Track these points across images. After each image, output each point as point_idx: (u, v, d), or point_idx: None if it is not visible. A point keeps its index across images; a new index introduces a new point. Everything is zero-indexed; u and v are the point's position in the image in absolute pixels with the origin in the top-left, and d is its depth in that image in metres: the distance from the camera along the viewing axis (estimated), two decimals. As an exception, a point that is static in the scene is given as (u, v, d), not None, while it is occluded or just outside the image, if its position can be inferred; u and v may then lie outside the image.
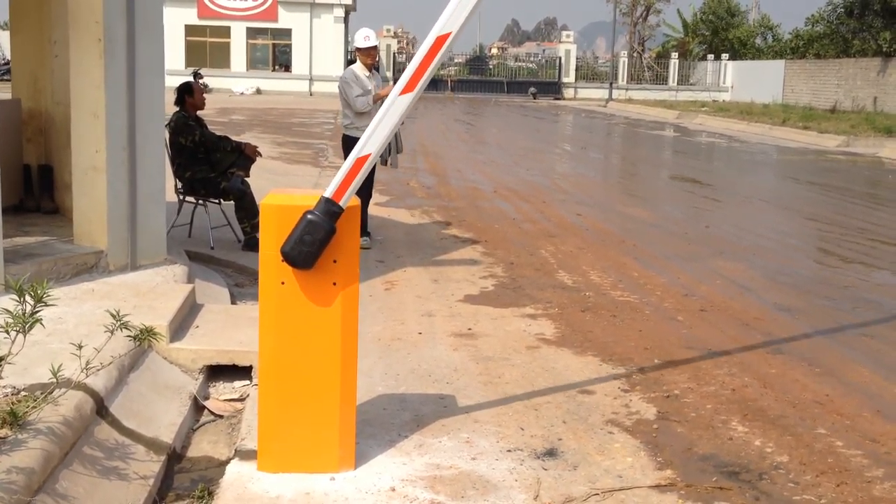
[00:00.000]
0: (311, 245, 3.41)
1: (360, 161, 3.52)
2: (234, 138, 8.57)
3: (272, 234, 3.47)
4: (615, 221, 10.81)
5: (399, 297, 6.80)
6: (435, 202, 11.74)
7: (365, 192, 8.43)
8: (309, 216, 3.42)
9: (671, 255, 8.74)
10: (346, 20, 47.38)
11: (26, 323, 3.15)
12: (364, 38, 8.47)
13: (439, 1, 3.58)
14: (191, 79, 8.51)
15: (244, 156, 8.32)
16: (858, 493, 3.76)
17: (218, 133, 8.58)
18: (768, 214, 12.24)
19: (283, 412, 3.61)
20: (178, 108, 8.20)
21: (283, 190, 3.77)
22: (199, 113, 8.32)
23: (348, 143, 8.46)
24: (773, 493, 3.73)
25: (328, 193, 3.47)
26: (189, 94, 8.15)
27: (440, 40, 3.50)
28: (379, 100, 8.44)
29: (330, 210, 3.45)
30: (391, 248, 8.46)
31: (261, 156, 8.64)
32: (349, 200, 3.50)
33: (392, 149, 8.48)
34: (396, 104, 3.53)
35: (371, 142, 3.53)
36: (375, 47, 8.63)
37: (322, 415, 3.62)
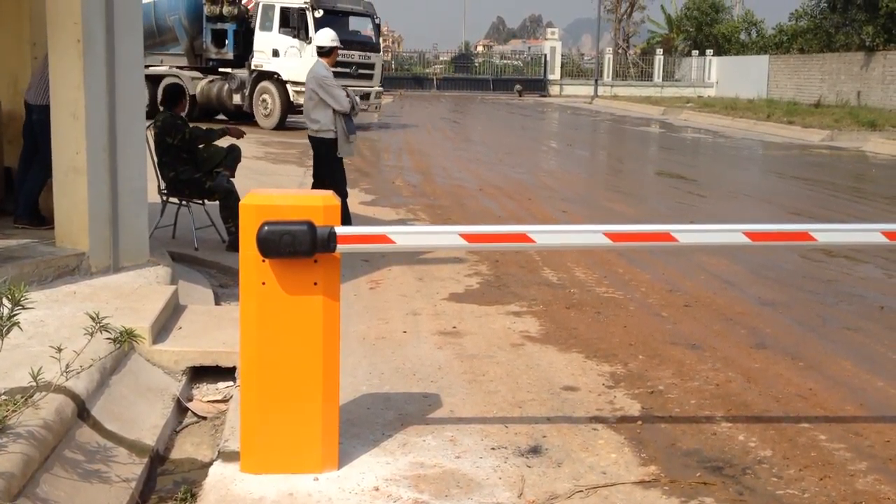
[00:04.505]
0: (286, 246, 3.41)
1: (386, 239, 3.64)
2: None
3: (252, 234, 3.45)
4: (600, 218, 10.81)
5: (384, 295, 6.78)
6: (420, 200, 11.73)
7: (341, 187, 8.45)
8: (307, 227, 3.41)
9: (656, 250, 8.74)
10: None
11: (3, 327, 3.12)
12: (332, 39, 8.56)
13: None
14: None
15: (231, 154, 8.32)
16: (842, 486, 3.78)
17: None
18: (753, 209, 12.27)
19: (265, 413, 3.60)
20: (163, 109, 8.18)
21: (263, 190, 3.76)
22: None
23: (329, 146, 8.38)
24: (756, 488, 3.73)
25: (340, 231, 3.47)
26: (183, 98, 8.29)
27: (522, 237, 3.65)
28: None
29: (327, 243, 3.47)
30: (376, 247, 8.44)
31: (245, 134, 8.66)
32: (344, 247, 3.53)
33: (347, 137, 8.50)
34: (451, 238, 3.70)
35: (406, 237, 3.77)
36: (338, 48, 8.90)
37: (305, 415, 3.61)
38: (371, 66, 23.09)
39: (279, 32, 21.79)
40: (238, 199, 7.78)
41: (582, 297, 6.89)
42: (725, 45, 50.76)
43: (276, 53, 21.83)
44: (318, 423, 3.62)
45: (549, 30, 59.01)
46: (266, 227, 3.41)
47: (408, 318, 6.15)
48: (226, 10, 22.46)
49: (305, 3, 21.27)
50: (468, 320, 6.15)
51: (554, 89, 51.47)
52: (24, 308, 3.25)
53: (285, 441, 3.62)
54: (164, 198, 8.26)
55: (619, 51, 54.74)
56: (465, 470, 3.77)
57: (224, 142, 8.62)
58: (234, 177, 8.26)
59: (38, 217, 6.68)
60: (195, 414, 4.60)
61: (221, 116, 23.62)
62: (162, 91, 8.62)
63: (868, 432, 4.36)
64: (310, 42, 21.19)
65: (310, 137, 8.56)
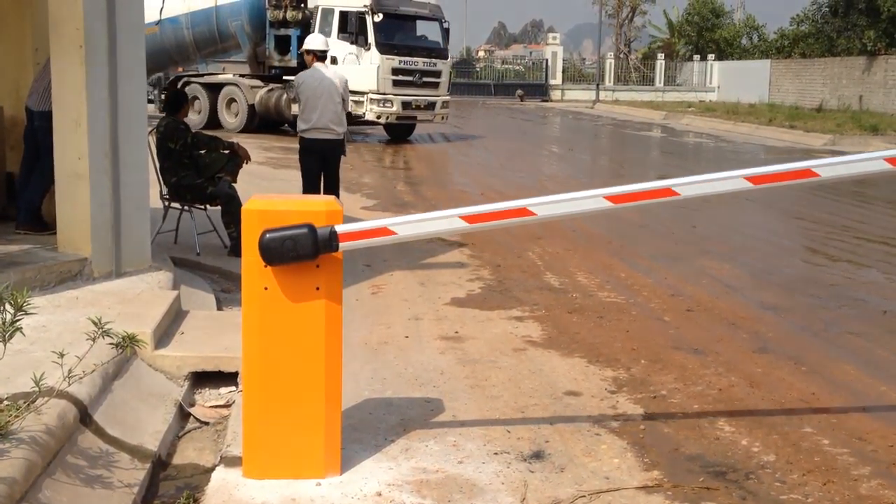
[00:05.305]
0: (289, 251, 3.41)
1: (387, 231, 3.61)
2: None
3: (254, 239, 3.45)
4: (602, 222, 10.81)
5: (386, 300, 6.78)
6: (422, 205, 11.74)
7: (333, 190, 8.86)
8: (307, 230, 3.41)
9: (658, 255, 8.75)
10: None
11: (6, 332, 3.12)
12: (325, 42, 9.08)
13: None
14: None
15: (233, 160, 8.33)
16: (845, 491, 3.77)
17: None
18: (755, 214, 12.27)
19: (268, 418, 3.60)
20: (165, 114, 8.20)
21: (265, 195, 3.76)
22: None
23: (342, 146, 9.02)
24: (759, 493, 3.73)
25: (340, 230, 3.47)
26: (187, 103, 8.33)
27: (523, 212, 3.63)
28: None
29: (328, 243, 3.46)
30: (378, 252, 8.43)
31: (250, 160, 8.65)
32: (347, 244, 3.52)
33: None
34: (452, 222, 3.67)
35: (406, 227, 3.66)
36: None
37: (307, 420, 3.61)
38: (437, 74, 21.63)
39: (338, 38, 20.26)
40: (240, 205, 7.81)
41: (584, 301, 6.88)
42: (727, 50, 50.76)
43: (334, 61, 19.46)
44: (320, 429, 3.62)
45: (550, 35, 59.04)
46: (267, 235, 3.41)
47: (410, 323, 6.15)
48: (290, 14, 21.31)
49: (365, 6, 20.07)
50: (470, 325, 6.14)
51: (555, 94, 51.46)
52: (26, 313, 3.24)
53: (288, 446, 3.61)
54: (166, 203, 8.27)
55: (621, 55, 54.76)
56: (467, 475, 3.76)
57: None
58: (235, 182, 8.28)
59: (41, 222, 6.69)
60: (197, 419, 4.59)
61: (286, 128, 22.78)
62: (165, 96, 8.65)
63: (871, 437, 4.35)
64: (368, 48, 20.20)
65: (324, 142, 8.74)
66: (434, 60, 21.52)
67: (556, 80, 52.45)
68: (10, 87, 7.34)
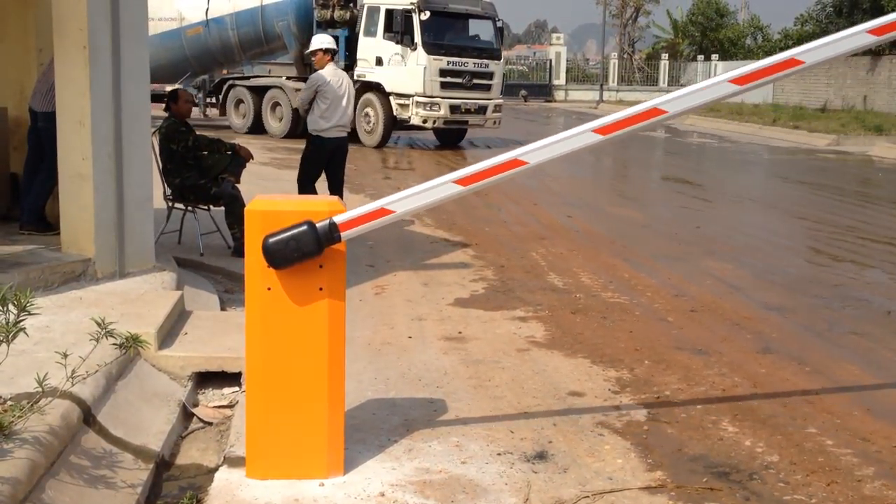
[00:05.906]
0: (293, 252, 3.41)
1: (384, 212, 3.58)
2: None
3: (257, 240, 3.45)
4: (606, 223, 10.82)
5: (389, 301, 6.78)
6: (425, 206, 11.71)
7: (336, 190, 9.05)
8: (307, 227, 3.41)
9: (661, 255, 8.74)
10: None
11: (10, 332, 3.13)
12: (329, 41, 8.97)
13: None
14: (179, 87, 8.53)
15: (236, 161, 8.32)
16: (849, 491, 3.76)
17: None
18: (758, 214, 12.26)
19: (271, 418, 3.60)
20: (167, 115, 8.20)
21: (269, 195, 3.76)
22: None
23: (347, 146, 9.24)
24: (763, 493, 3.72)
25: (338, 220, 3.47)
26: (173, 102, 8.18)
27: (515, 163, 3.64)
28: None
29: (329, 235, 3.46)
30: (381, 253, 8.45)
31: (252, 159, 8.65)
32: (349, 233, 3.52)
33: None
34: (446, 188, 3.61)
35: (402, 203, 3.60)
36: None
37: (310, 420, 3.61)
38: (489, 76, 20.38)
39: (384, 38, 19.55)
40: (243, 205, 7.78)
41: (587, 302, 6.88)
42: (731, 50, 50.70)
43: (379, 62, 19.69)
44: (323, 429, 3.62)
45: (554, 35, 59.08)
46: (270, 240, 3.42)
47: (413, 324, 6.15)
48: (337, 14, 20.33)
49: (411, 3, 19.07)
50: (474, 325, 6.14)
51: (559, 94, 51.41)
52: (29, 314, 3.25)
53: (291, 447, 3.61)
54: (170, 204, 8.27)
55: (625, 56, 54.74)
56: (470, 475, 3.76)
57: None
58: (238, 182, 8.27)
59: (44, 223, 6.70)
60: (201, 419, 4.60)
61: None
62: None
63: (875, 437, 4.35)
64: (415, 48, 19.19)
65: (339, 139, 9.00)
66: (486, 61, 20.33)
67: (560, 80, 52.40)
68: (13, 88, 7.35)
